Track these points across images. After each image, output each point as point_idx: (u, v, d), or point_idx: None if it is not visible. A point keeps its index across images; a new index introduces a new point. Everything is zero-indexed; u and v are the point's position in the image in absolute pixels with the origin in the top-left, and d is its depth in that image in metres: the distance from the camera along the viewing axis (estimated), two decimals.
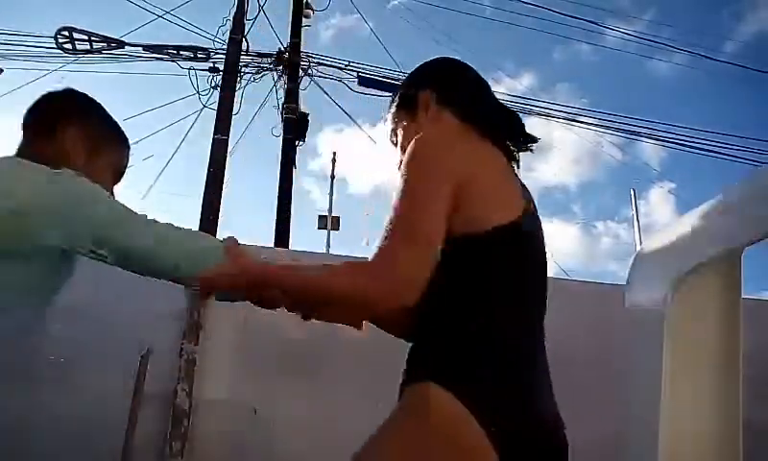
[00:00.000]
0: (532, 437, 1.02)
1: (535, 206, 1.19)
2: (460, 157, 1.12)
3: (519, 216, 1.11)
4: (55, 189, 1.16)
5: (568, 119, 7.66)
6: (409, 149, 1.13)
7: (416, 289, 1.04)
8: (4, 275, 1.14)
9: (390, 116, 1.39)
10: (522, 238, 1.12)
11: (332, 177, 11.91)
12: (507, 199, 1.13)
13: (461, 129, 1.27)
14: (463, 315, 1.09)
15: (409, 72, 1.43)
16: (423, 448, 1.00)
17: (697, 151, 7.40)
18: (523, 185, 1.21)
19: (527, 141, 1.29)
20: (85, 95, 1.47)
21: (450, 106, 1.31)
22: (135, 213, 1.21)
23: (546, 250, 1.21)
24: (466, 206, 1.08)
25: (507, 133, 1.28)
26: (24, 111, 1.40)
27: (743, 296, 1.12)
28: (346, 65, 7.10)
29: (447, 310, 1.10)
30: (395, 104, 1.39)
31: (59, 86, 1.48)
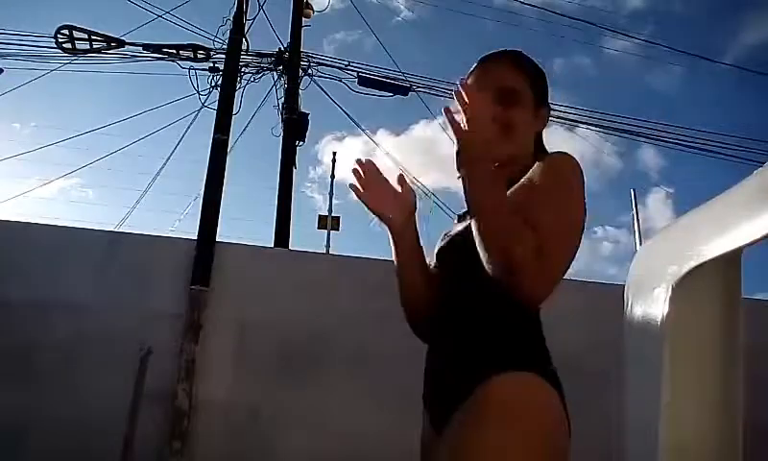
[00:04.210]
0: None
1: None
2: None
3: None
4: None
5: (568, 120, 7.66)
6: (572, 172, 1.19)
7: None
8: None
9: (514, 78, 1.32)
10: None
11: (332, 176, 11.91)
12: None
13: None
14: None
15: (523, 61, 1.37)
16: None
17: (697, 151, 7.40)
18: None
19: None
20: None
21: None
22: None
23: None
24: None
25: None
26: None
27: (743, 296, 1.12)
28: (346, 66, 7.10)
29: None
30: (528, 84, 1.33)
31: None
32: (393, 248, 1.38)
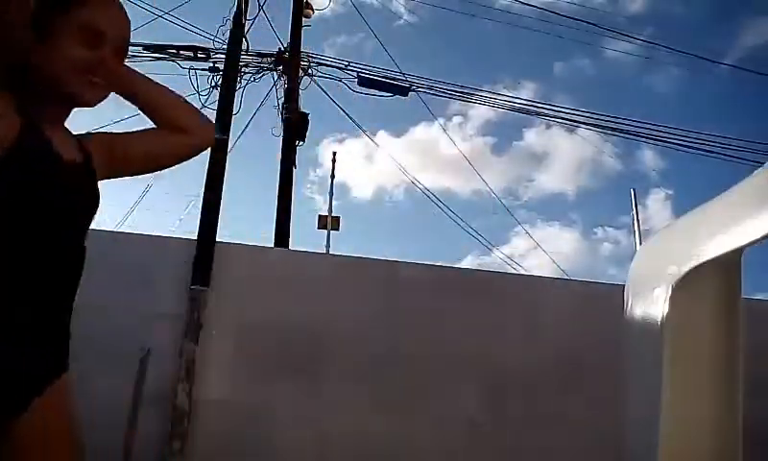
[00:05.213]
0: None
1: None
2: None
3: None
4: None
5: (568, 120, 7.67)
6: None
7: None
8: None
9: None
10: None
11: (332, 176, 11.91)
12: None
13: None
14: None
15: None
16: None
17: (695, 151, 7.40)
18: None
19: None
20: None
21: None
22: None
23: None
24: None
25: None
26: None
27: (743, 296, 1.12)
28: (346, 66, 7.11)
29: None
30: None
31: None
32: None
